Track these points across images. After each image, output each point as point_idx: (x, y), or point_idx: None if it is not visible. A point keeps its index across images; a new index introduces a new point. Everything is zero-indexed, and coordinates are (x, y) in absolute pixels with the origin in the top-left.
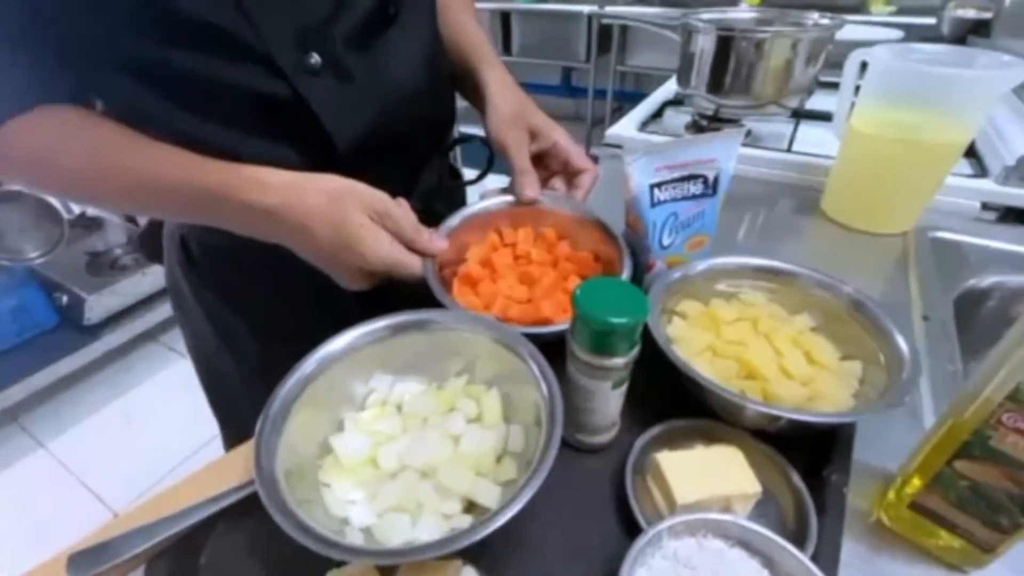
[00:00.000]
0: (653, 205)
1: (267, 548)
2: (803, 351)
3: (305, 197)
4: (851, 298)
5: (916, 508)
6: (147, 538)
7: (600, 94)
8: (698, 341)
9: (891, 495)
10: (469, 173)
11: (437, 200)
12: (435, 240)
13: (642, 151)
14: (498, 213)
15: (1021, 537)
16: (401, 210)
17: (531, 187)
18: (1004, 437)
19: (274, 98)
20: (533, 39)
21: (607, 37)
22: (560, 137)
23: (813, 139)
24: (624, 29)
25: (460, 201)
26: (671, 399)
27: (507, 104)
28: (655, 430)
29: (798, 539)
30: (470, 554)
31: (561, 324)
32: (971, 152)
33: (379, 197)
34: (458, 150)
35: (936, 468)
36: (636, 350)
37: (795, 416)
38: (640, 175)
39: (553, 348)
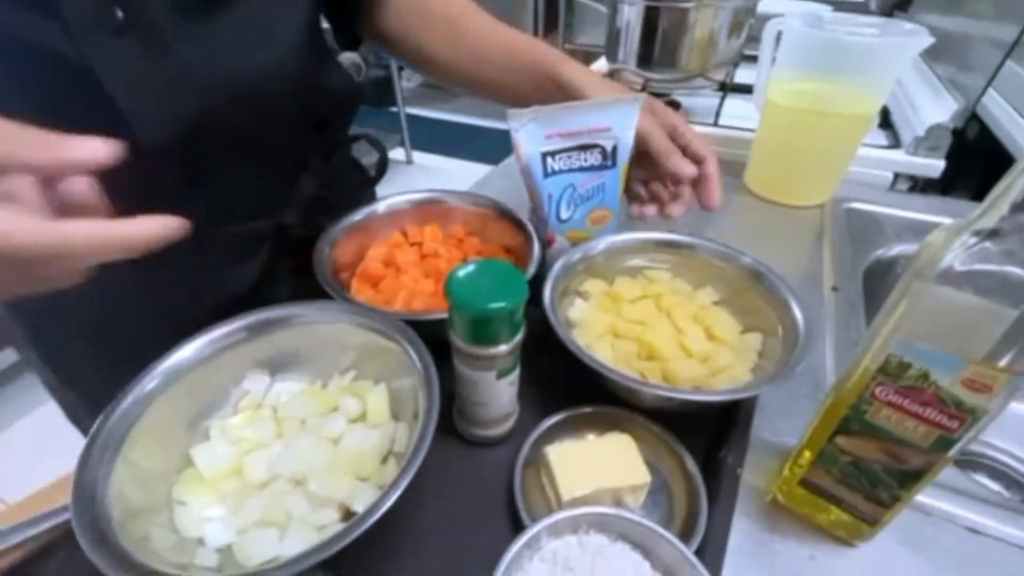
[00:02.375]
0: (547, 175)
1: None
2: (704, 327)
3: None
4: (751, 269)
5: (805, 485)
6: None
7: None
8: (599, 323)
9: (785, 471)
10: (475, 168)
11: (319, 214)
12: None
13: (528, 116)
14: (402, 212)
15: (901, 509)
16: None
17: (689, 165)
18: (879, 411)
19: (58, 61)
20: None
21: (553, 14)
22: (679, 122)
23: (740, 112)
24: (570, 5)
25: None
26: (574, 385)
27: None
28: (553, 419)
29: (688, 528)
30: (340, 567)
31: None
32: (886, 124)
33: None
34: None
35: (821, 444)
36: (519, 336)
37: (687, 397)
38: (529, 143)
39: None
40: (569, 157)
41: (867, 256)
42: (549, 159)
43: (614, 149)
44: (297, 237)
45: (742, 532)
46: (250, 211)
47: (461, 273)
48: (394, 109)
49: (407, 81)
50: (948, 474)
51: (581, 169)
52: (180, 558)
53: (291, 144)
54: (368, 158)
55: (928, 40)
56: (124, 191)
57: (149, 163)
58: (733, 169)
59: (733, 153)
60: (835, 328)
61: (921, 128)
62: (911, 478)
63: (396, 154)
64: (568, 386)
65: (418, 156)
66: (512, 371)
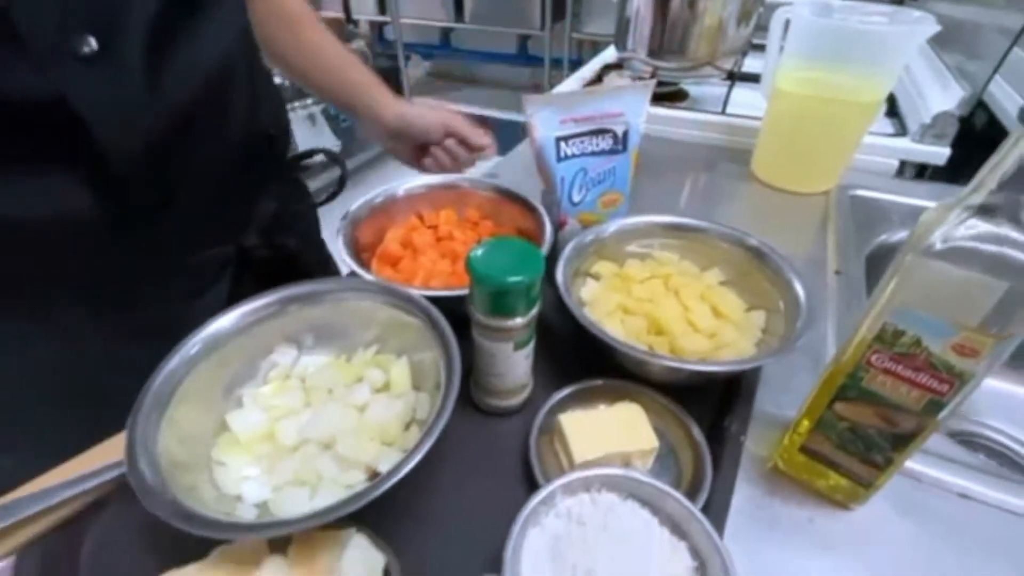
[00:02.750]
0: (560, 159)
1: (152, 537)
2: (710, 305)
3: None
4: (756, 250)
5: (805, 451)
6: (7, 515)
7: (557, 63)
8: (610, 302)
9: (786, 440)
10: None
11: (281, 232)
12: None
13: (544, 102)
14: (418, 196)
15: (894, 471)
16: None
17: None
18: (874, 377)
19: (25, 100)
20: (486, 6)
21: (561, 3)
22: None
23: (747, 102)
24: None
25: (312, 228)
26: (586, 360)
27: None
28: (565, 391)
29: (694, 490)
30: (368, 524)
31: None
32: (893, 112)
33: None
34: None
35: (820, 412)
36: (535, 309)
37: (694, 367)
38: (544, 128)
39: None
40: (582, 142)
41: (871, 241)
42: (563, 144)
43: (625, 134)
44: (259, 258)
45: (744, 497)
46: (213, 237)
47: (481, 250)
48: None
49: (414, 71)
50: (942, 445)
51: (593, 153)
52: (223, 509)
53: (247, 163)
54: (329, 173)
55: (935, 28)
56: (95, 223)
57: (118, 192)
58: (740, 157)
59: (740, 141)
60: (837, 310)
61: (928, 116)
62: (904, 441)
63: None
64: (579, 361)
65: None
66: (528, 343)
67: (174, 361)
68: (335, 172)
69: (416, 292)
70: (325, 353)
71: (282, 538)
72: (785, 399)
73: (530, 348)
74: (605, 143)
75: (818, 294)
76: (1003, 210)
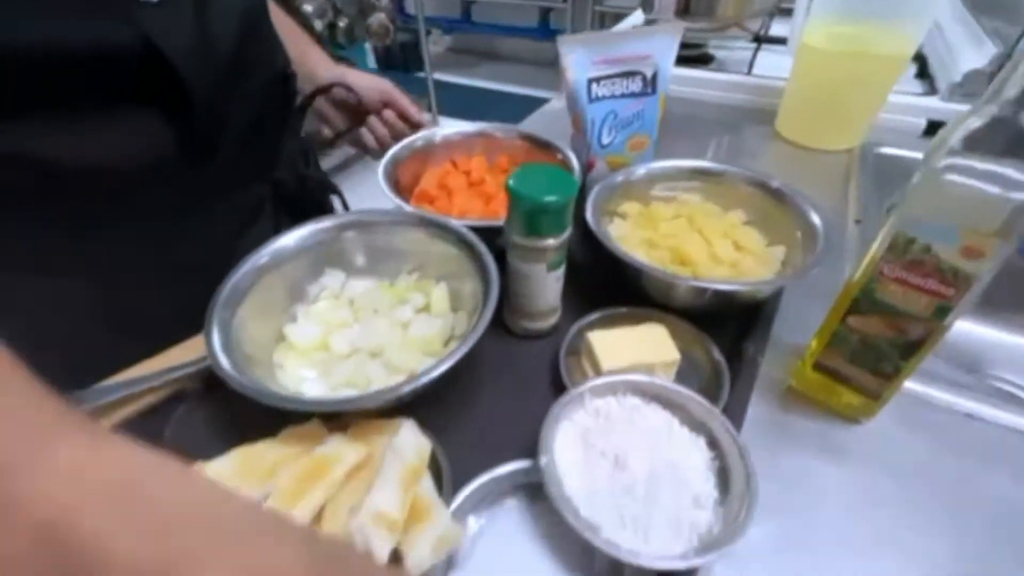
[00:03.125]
0: (591, 100)
1: (227, 421)
2: (732, 241)
3: None
4: (777, 191)
5: (818, 368)
6: (100, 395)
7: None
8: (635, 237)
9: (800, 363)
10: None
11: (307, 166)
12: None
13: (578, 42)
14: (454, 143)
15: (902, 382)
16: None
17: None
18: (886, 287)
19: (112, 51)
20: None
21: None
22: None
23: (773, 64)
24: None
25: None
26: (611, 290)
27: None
28: (591, 316)
29: (712, 400)
30: (415, 417)
31: None
32: (924, 74)
33: None
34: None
35: (833, 327)
36: (567, 233)
37: (718, 287)
38: (577, 69)
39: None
40: (612, 83)
41: (892, 194)
42: (594, 85)
43: (654, 76)
44: (290, 192)
45: (759, 413)
46: (250, 175)
47: (519, 173)
48: (421, 74)
49: (434, 46)
50: (950, 372)
51: (623, 95)
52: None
53: (274, 101)
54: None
55: None
56: (163, 162)
57: (187, 132)
58: (765, 117)
59: (765, 102)
60: (856, 257)
61: (958, 74)
62: (912, 349)
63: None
64: (605, 291)
65: (444, 121)
66: (559, 266)
67: (246, 267)
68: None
69: (456, 221)
70: (371, 278)
71: (339, 426)
72: (801, 331)
73: (561, 271)
74: (635, 85)
75: (838, 239)
76: (1011, 126)
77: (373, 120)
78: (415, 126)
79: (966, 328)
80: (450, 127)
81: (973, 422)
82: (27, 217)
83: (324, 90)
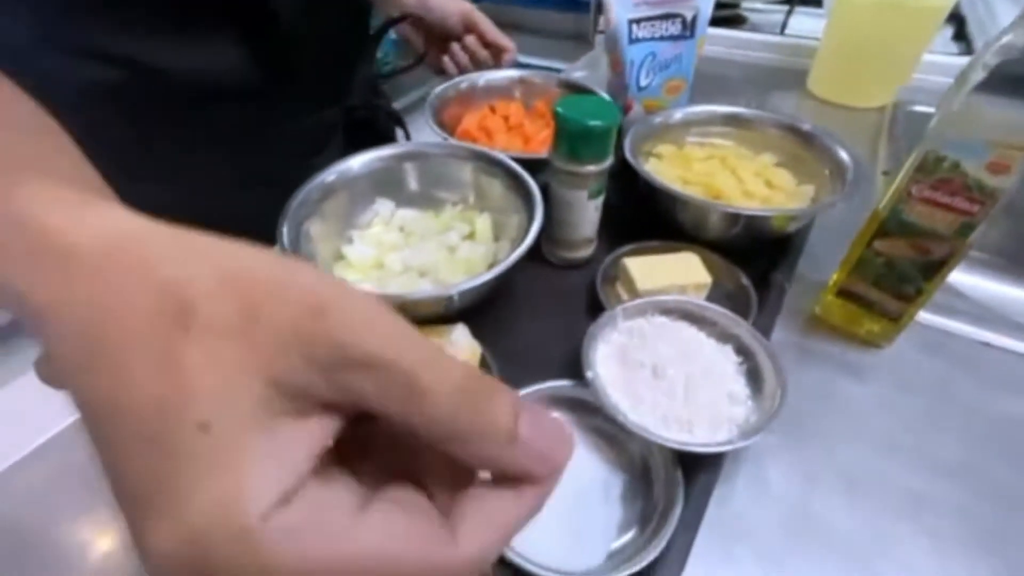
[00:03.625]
0: (631, 42)
1: None
2: (764, 179)
3: (113, 316)
4: (808, 134)
5: (842, 294)
6: None
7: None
8: (670, 174)
9: (824, 293)
10: None
11: (376, 95)
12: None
13: None
14: (495, 87)
15: (924, 303)
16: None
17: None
18: (913, 207)
19: None
20: None
21: None
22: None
23: (805, 27)
24: None
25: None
26: (646, 225)
27: None
28: (626, 247)
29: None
30: (467, 322)
31: None
32: (961, 34)
33: (350, 313)
34: None
35: (859, 253)
36: (609, 160)
37: (751, 212)
38: (619, 7)
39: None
40: (652, 25)
41: None
42: (634, 26)
43: (694, 19)
44: (360, 119)
45: (784, 336)
46: (325, 99)
47: (566, 101)
48: None
49: None
50: (971, 306)
51: (662, 38)
52: None
53: (347, 29)
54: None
55: None
56: (252, 78)
57: (277, 51)
58: (797, 78)
59: (797, 62)
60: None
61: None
62: (934, 268)
63: None
64: (640, 226)
65: None
66: (599, 195)
67: (315, 182)
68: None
69: (503, 154)
70: (418, 208)
71: None
72: (827, 268)
73: (600, 200)
74: (675, 27)
75: (866, 187)
76: None
77: (455, 47)
78: (497, 53)
79: (991, 286)
80: (495, 72)
81: (991, 350)
82: (122, 123)
83: (405, 17)
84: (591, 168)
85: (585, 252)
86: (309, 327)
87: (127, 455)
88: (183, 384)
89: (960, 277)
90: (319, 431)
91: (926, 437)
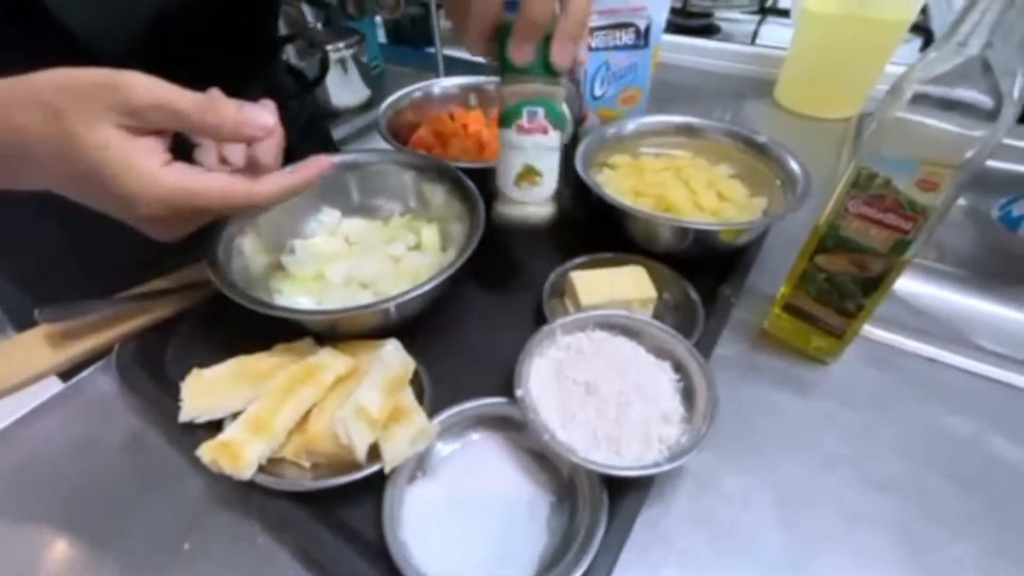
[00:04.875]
0: None
1: (226, 335)
2: (716, 191)
3: (12, 114)
4: (763, 146)
5: (788, 309)
6: (111, 306)
7: None
8: (623, 185)
9: (772, 306)
10: None
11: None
12: (261, 116)
13: None
14: (451, 96)
15: (864, 320)
16: (190, 99)
17: None
18: (850, 224)
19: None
20: None
21: None
22: None
23: (776, 37)
24: None
25: (304, 115)
26: (597, 237)
27: None
28: (576, 260)
29: (686, 335)
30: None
31: None
32: (929, 45)
33: (134, 85)
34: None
35: (802, 268)
36: (560, 88)
37: (700, 227)
38: None
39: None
40: (605, 35)
41: None
42: (588, 36)
43: (647, 29)
44: (290, 106)
45: (730, 350)
46: (243, 69)
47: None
48: (431, 49)
49: (445, 20)
50: (917, 319)
51: (616, 48)
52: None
53: (230, 54)
54: (309, 59)
55: None
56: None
57: None
58: (765, 87)
59: (766, 72)
60: None
61: None
62: (873, 284)
63: None
64: (591, 238)
65: None
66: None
67: None
68: (314, 57)
69: (448, 163)
70: (364, 218)
71: (330, 344)
72: (779, 280)
73: (560, 141)
74: (628, 37)
75: (824, 198)
76: (974, 61)
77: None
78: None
79: (953, 299)
80: (448, 80)
81: (936, 366)
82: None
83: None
84: (538, 85)
85: (545, 210)
86: (111, 97)
87: (61, 178)
88: (78, 136)
89: (921, 288)
90: (160, 138)
91: (865, 453)
